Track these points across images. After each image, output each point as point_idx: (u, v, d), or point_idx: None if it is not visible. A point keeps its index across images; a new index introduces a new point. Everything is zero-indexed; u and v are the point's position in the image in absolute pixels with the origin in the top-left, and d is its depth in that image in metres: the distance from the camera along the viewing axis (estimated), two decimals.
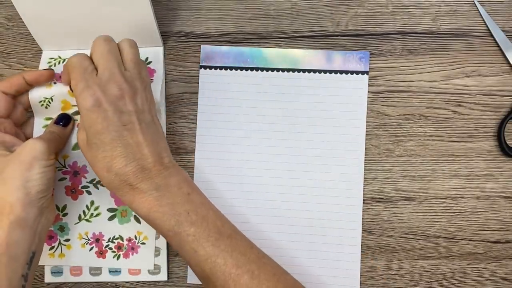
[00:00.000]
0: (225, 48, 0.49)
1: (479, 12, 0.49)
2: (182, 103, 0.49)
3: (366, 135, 0.47)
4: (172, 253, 0.47)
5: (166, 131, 0.48)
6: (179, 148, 0.48)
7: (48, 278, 0.47)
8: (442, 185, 0.47)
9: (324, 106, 0.48)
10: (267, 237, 0.47)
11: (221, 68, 0.49)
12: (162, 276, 0.47)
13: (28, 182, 0.38)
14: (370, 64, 0.48)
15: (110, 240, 0.47)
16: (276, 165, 0.47)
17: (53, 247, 0.47)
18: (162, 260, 0.47)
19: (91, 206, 0.47)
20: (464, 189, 0.47)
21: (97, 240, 0.47)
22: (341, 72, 0.48)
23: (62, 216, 0.47)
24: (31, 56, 0.50)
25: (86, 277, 0.47)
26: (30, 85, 0.44)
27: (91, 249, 0.47)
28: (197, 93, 0.48)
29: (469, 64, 0.48)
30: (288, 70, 0.48)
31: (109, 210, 0.47)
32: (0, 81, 0.44)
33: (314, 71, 0.48)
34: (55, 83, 0.44)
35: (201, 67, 0.49)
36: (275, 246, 0.46)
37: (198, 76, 0.49)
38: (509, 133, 0.47)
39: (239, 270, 0.37)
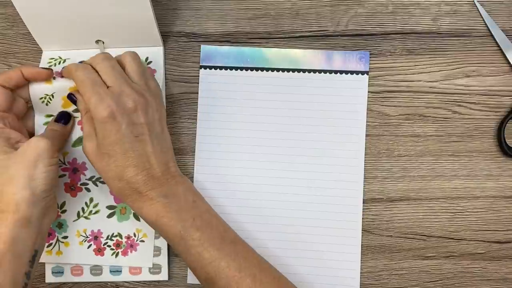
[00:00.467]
0: (225, 48, 0.49)
1: (479, 12, 0.48)
2: (182, 103, 0.49)
3: (366, 135, 0.47)
4: (172, 253, 0.47)
5: None
6: (179, 148, 0.48)
7: (49, 278, 0.47)
8: (442, 185, 0.47)
9: (324, 106, 0.48)
10: (267, 236, 0.47)
11: (221, 68, 0.49)
12: (163, 276, 0.47)
13: (33, 181, 0.38)
14: (370, 64, 0.48)
15: (109, 237, 0.47)
16: (276, 164, 0.47)
17: (51, 244, 0.47)
18: (163, 260, 0.47)
19: (90, 203, 0.47)
20: (464, 189, 0.47)
21: (96, 237, 0.47)
22: (341, 72, 0.48)
23: (61, 213, 0.47)
24: (31, 56, 0.50)
25: (87, 277, 0.47)
26: (27, 80, 0.44)
27: (89, 246, 0.47)
28: (197, 93, 0.48)
29: (469, 64, 0.48)
30: (288, 70, 0.48)
31: (108, 207, 0.47)
32: None
33: (314, 71, 0.48)
34: (54, 78, 0.44)
35: (201, 67, 0.49)
36: (275, 246, 0.46)
37: (198, 76, 0.49)
38: (509, 133, 0.47)
39: (242, 273, 0.39)
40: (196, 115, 0.48)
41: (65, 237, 0.47)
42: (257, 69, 0.49)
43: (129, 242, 0.47)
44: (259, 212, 0.47)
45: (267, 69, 0.48)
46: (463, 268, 0.46)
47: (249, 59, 0.49)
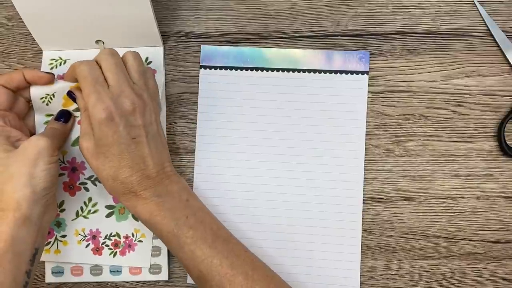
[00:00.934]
0: (225, 48, 0.49)
1: (479, 12, 0.49)
2: (182, 103, 0.49)
3: (366, 135, 0.47)
4: None
5: (166, 131, 0.48)
6: (179, 148, 0.48)
7: (49, 278, 0.47)
8: (442, 185, 0.47)
9: (324, 106, 0.48)
10: (267, 236, 0.47)
11: (221, 68, 0.49)
12: (163, 276, 0.47)
13: (33, 179, 0.38)
14: (370, 64, 0.48)
15: (107, 237, 0.47)
16: (276, 164, 0.47)
17: (49, 242, 0.47)
18: (163, 260, 0.47)
19: (88, 202, 0.47)
20: (464, 189, 0.47)
21: (94, 237, 0.47)
22: (341, 72, 0.48)
23: (60, 212, 0.47)
24: (31, 56, 0.50)
25: (87, 277, 0.47)
26: (29, 83, 0.44)
27: (87, 245, 0.47)
28: (197, 93, 0.48)
29: (469, 64, 0.48)
30: (288, 70, 0.48)
31: (107, 207, 0.47)
32: (0, 75, 0.44)
33: (314, 71, 0.48)
34: (56, 79, 0.44)
35: (201, 67, 0.49)
36: (275, 246, 0.46)
37: (198, 76, 0.49)
38: (509, 133, 0.47)
39: (234, 271, 0.39)
40: (196, 115, 0.48)
41: (64, 236, 0.47)
42: (257, 69, 0.49)
43: (127, 242, 0.47)
44: (259, 212, 0.47)
45: (267, 69, 0.48)
46: (463, 268, 0.46)
47: (249, 59, 0.49)
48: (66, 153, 0.47)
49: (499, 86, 0.48)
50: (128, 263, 0.47)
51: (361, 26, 0.49)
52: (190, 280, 0.47)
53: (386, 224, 0.47)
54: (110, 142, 0.39)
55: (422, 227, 0.47)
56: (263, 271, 0.41)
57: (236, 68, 0.49)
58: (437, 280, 0.46)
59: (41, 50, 0.48)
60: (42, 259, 0.46)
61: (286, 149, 0.47)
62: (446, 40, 0.48)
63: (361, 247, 0.46)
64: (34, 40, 0.47)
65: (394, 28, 0.49)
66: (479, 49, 0.48)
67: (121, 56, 0.43)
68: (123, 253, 0.47)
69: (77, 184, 0.47)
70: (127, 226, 0.47)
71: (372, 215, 0.47)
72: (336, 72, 0.48)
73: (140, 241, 0.47)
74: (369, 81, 0.48)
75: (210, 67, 0.49)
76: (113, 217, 0.47)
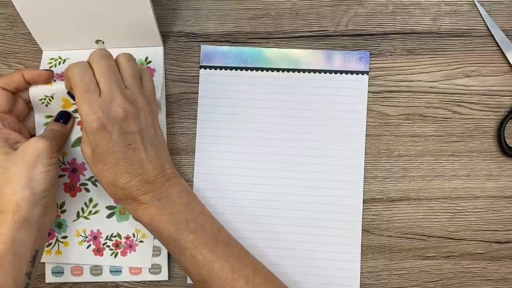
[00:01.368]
0: (225, 48, 0.49)
1: (479, 12, 0.48)
2: (182, 103, 0.49)
3: (366, 135, 0.47)
4: None
5: (166, 131, 0.48)
6: (179, 148, 0.48)
7: (49, 278, 0.47)
8: (442, 185, 0.47)
9: (324, 106, 0.48)
10: (267, 236, 0.47)
11: (221, 68, 0.49)
12: (163, 276, 0.47)
13: (32, 181, 0.38)
14: (370, 64, 0.48)
15: (108, 238, 0.47)
16: (276, 164, 0.47)
17: (50, 244, 0.47)
18: (163, 260, 0.47)
19: (89, 203, 0.47)
20: (464, 189, 0.47)
21: (95, 237, 0.47)
22: (341, 72, 0.48)
23: (60, 213, 0.47)
24: (31, 56, 0.50)
25: (87, 277, 0.47)
26: (29, 84, 0.44)
27: (88, 246, 0.47)
28: (197, 93, 0.48)
29: (469, 64, 0.48)
30: (288, 70, 0.48)
31: (108, 207, 0.47)
32: None
33: (314, 71, 0.48)
34: (55, 81, 0.44)
35: (201, 67, 0.49)
36: (274, 246, 0.46)
37: (198, 76, 0.49)
38: (509, 133, 0.47)
39: (235, 275, 0.39)
40: (196, 115, 0.48)
41: (65, 237, 0.47)
42: (257, 69, 0.49)
43: (128, 242, 0.47)
44: (259, 212, 0.47)
45: (267, 69, 0.48)
46: (463, 268, 0.46)
47: (249, 59, 0.49)
48: (67, 154, 0.47)
49: (499, 86, 0.48)
50: (129, 263, 0.47)
51: (361, 26, 0.49)
52: (190, 281, 0.47)
53: (386, 224, 0.47)
54: (106, 150, 0.39)
55: (422, 227, 0.47)
56: (263, 274, 0.41)
57: (236, 68, 0.49)
58: (437, 280, 0.46)
59: (41, 50, 0.48)
60: (43, 260, 0.47)
61: (286, 149, 0.47)
62: (446, 40, 0.48)
63: (361, 247, 0.46)
64: (34, 40, 0.47)
65: (394, 28, 0.49)
66: (479, 49, 0.48)
67: (114, 57, 0.42)
68: (124, 254, 0.47)
69: (78, 185, 0.47)
70: (128, 227, 0.47)
71: (372, 215, 0.47)
72: (336, 72, 0.48)
73: (141, 241, 0.47)
74: (369, 81, 0.48)
75: (210, 67, 0.49)
76: (114, 217, 0.47)
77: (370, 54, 0.48)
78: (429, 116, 0.48)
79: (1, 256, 0.36)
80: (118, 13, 0.44)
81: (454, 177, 0.47)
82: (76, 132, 0.46)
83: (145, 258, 0.46)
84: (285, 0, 0.49)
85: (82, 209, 0.47)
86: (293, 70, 0.48)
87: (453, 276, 0.46)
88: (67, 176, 0.47)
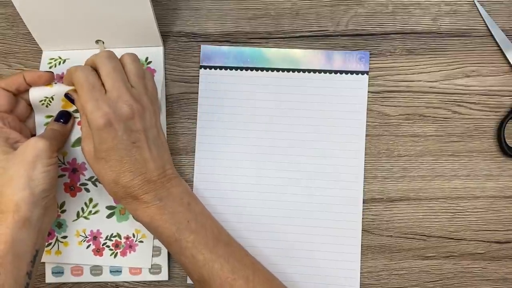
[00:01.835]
0: (225, 48, 0.49)
1: (479, 12, 0.49)
2: (182, 103, 0.49)
3: (366, 135, 0.47)
4: None
5: (166, 131, 0.48)
6: (179, 148, 0.48)
7: (49, 278, 0.47)
8: (442, 185, 0.47)
9: (324, 106, 0.48)
10: (266, 236, 0.47)
11: (221, 68, 0.49)
12: (163, 276, 0.47)
13: (32, 181, 0.39)
14: (370, 64, 0.48)
15: (108, 238, 0.47)
16: (276, 164, 0.47)
17: (50, 243, 0.47)
18: (163, 260, 0.47)
19: (89, 203, 0.47)
20: (464, 189, 0.47)
21: (95, 237, 0.47)
22: (341, 72, 0.48)
23: (61, 213, 0.47)
24: (31, 56, 0.50)
25: (87, 277, 0.47)
26: (30, 85, 0.44)
27: (88, 246, 0.47)
28: (197, 93, 0.48)
29: (469, 64, 0.48)
30: (288, 70, 0.48)
31: (108, 207, 0.47)
32: (0, 79, 0.44)
33: (314, 71, 0.48)
34: (55, 82, 0.44)
35: (201, 67, 0.49)
36: (274, 246, 0.46)
37: (198, 76, 0.49)
38: (509, 133, 0.47)
39: (235, 275, 0.39)
40: (196, 115, 0.48)
41: (65, 237, 0.47)
42: (257, 69, 0.49)
43: (128, 242, 0.47)
44: (259, 212, 0.47)
45: (267, 69, 0.48)
46: (463, 268, 0.46)
47: (249, 59, 0.49)
48: (67, 154, 0.47)
49: (499, 86, 0.48)
50: (129, 263, 0.47)
51: (361, 26, 0.49)
52: (190, 281, 0.47)
53: (386, 224, 0.47)
54: (110, 147, 0.39)
55: (422, 227, 0.47)
56: (263, 275, 0.41)
57: (236, 68, 0.49)
58: (437, 280, 0.46)
59: (41, 50, 0.48)
60: (43, 260, 0.46)
61: (286, 149, 0.47)
62: (446, 40, 0.48)
63: (361, 247, 0.46)
64: (34, 40, 0.47)
65: (394, 28, 0.49)
66: (479, 49, 0.48)
67: (119, 57, 0.43)
68: (124, 254, 0.47)
69: (78, 185, 0.47)
70: (127, 227, 0.47)
71: (372, 215, 0.47)
72: (336, 72, 0.48)
73: (141, 241, 0.47)
74: (369, 81, 0.48)
75: (210, 67, 0.49)
76: (114, 217, 0.47)
77: (370, 54, 0.48)
78: (429, 116, 0.48)
79: (2, 256, 0.36)
80: (118, 13, 0.44)
81: (454, 177, 0.47)
82: (76, 132, 0.46)
83: (145, 258, 0.47)
84: (285, 0, 0.50)
85: (82, 209, 0.47)
86: (293, 70, 0.48)
87: (453, 276, 0.46)
88: (67, 176, 0.47)
